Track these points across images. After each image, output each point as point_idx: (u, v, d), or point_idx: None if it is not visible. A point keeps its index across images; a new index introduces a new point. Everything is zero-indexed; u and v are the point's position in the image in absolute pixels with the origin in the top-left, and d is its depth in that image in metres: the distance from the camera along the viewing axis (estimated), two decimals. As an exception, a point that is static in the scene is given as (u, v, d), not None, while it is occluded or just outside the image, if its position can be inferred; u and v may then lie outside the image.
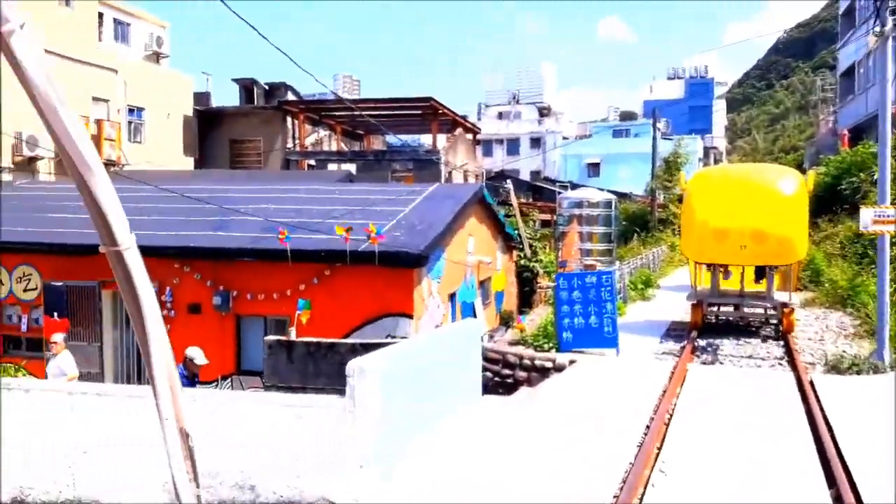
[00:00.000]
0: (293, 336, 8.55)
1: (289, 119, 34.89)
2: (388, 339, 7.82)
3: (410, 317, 11.30)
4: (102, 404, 5.93)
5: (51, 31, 25.16)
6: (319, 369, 7.55)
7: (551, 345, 11.01)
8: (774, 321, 13.45)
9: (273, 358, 7.75)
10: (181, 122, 32.52)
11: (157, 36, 34.07)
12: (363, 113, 34.68)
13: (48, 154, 25.24)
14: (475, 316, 15.83)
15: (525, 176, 54.24)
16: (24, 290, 12.68)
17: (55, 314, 12.40)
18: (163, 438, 1.26)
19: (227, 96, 73.52)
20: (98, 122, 27.14)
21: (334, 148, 37.95)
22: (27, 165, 24.60)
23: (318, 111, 34.72)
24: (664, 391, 8.48)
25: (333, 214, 13.33)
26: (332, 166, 33.88)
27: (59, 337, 10.62)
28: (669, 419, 7.38)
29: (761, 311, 13.67)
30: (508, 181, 22.42)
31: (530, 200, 38.63)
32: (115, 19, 31.69)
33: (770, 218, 11.80)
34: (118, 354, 12.58)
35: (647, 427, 7.08)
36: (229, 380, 11.84)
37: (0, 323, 13.00)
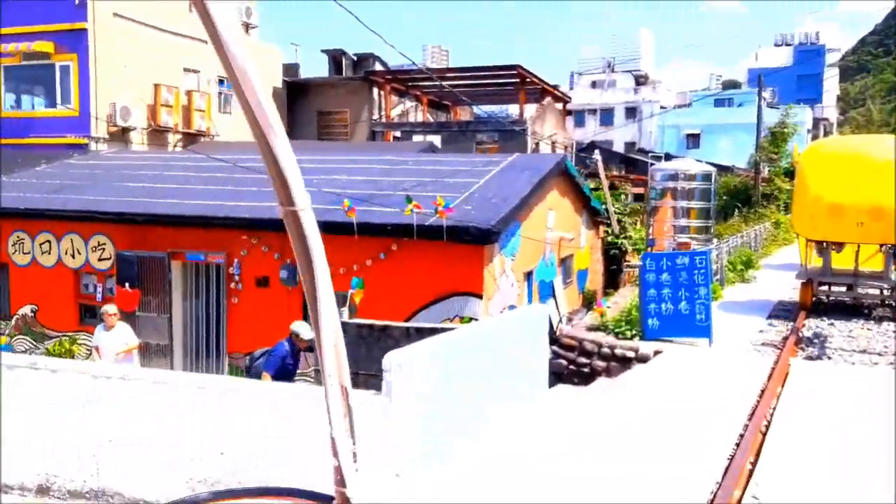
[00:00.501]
0: (345, 317, 7.95)
1: (375, 90, 34.62)
2: (445, 325, 7.10)
3: (480, 297, 10.54)
4: (129, 390, 5.50)
5: (144, 3, 25.52)
6: (372, 354, 6.91)
7: (634, 332, 10.01)
8: (892, 302, 12.71)
9: (323, 340, 7.18)
10: (270, 94, 32.62)
11: (247, 7, 34.23)
12: (447, 84, 33.92)
13: (140, 125, 25.82)
14: (554, 296, 14.91)
15: (619, 148, 52.12)
16: (99, 260, 12.71)
17: (126, 284, 12.36)
18: (325, 394, 1.29)
19: (316, 68, 74.18)
20: (188, 93, 27.49)
21: (420, 119, 37.46)
22: (121, 136, 25.16)
23: (405, 81, 34.18)
24: (762, 392, 7.39)
25: (404, 186, 12.68)
26: (417, 137, 33.36)
27: (113, 308, 10.35)
28: (767, 428, 6.33)
29: (877, 291, 12.95)
30: (596, 152, 21.15)
31: (623, 173, 36.94)
32: (205, -10, 31.88)
33: (889, 193, 10.94)
34: (188, 326, 12.44)
35: (741, 436, 6.08)
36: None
37: (77, 292, 13.11)
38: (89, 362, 8.49)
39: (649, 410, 7.24)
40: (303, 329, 8.20)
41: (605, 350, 9.56)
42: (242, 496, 2.07)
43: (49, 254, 13.09)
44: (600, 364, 9.50)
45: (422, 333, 6.83)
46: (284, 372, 7.95)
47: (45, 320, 13.29)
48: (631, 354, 9.40)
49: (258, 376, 8.28)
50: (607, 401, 7.94)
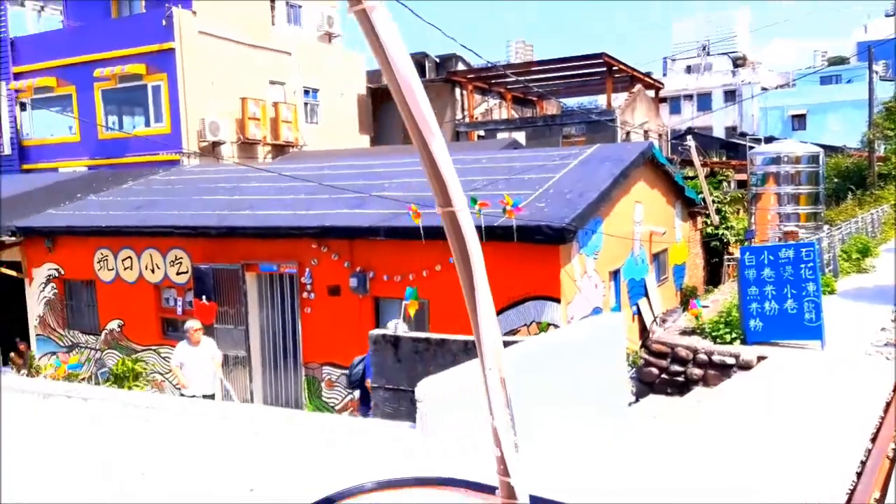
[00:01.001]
0: (399, 329, 7.40)
1: (458, 91, 34.27)
2: (507, 338, 6.40)
3: (558, 300, 9.75)
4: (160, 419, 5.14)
5: (227, 19, 26.02)
6: (428, 370, 6.32)
7: (735, 335, 8.97)
8: None
9: (379, 355, 6.64)
10: (355, 101, 32.82)
11: (328, 16, 34.52)
12: (528, 79, 33.05)
13: (230, 138, 26.36)
14: (647, 295, 13.87)
15: (719, 133, 49.53)
16: (177, 274, 12.75)
17: (204, 297, 12.31)
18: (485, 387, 1.36)
19: None
20: (275, 105, 27.87)
21: (505, 116, 36.78)
22: (211, 150, 25.75)
23: (487, 79, 33.56)
24: (887, 405, 6.30)
25: (475, 186, 12.04)
26: (501, 135, 32.66)
27: (197, 324, 10.44)
28: (895, 453, 5.31)
29: None
30: (689, 138, 19.77)
31: (723, 159, 34.90)
32: (287, 2, 32.42)
33: None
34: (264, 337, 12.27)
35: (862, 463, 5.09)
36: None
37: (159, 306, 13.21)
38: (143, 393, 8.27)
39: (752, 426, 6.31)
40: (401, 329, 7.95)
41: (702, 356, 8.60)
42: (405, 486, 2.05)
43: (131, 269, 13.26)
44: (696, 372, 8.55)
45: (483, 347, 6.17)
46: None
47: (131, 335, 13.47)
48: (731, 361, 8.41)
49: (361, 385, 8.05)
50: (703, 414, 7.04)
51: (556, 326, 9.80)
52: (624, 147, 13.43)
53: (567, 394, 5.31)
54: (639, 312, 13.45)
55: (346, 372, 9.15)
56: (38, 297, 14.41)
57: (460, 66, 37.71)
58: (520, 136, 35.96)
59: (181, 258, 12.71)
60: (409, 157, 16.79)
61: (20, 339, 15.13)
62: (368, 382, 7.45)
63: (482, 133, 34.21)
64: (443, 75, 34.98)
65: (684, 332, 9.47)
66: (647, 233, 13.97)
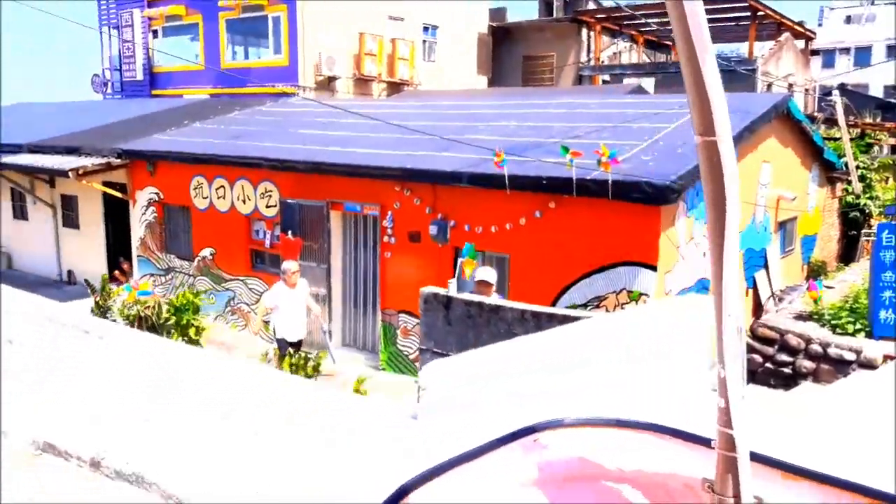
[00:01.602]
0: (453, 290, 6.66)
1: (585, 32, 32.36)
2: (568, 311, 5.51)
3: (654, 268, 8.66)
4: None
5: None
6: (481, 337, 5.60)
7: (859, 326, 7.63)
8: None
9: (430, 315, 5.97)
10: (475, 40, 31.70)
11: (453, -49, 33.29)
12: (661, 21, 30.60)
13: (346, 74, 26.09)
14: (766, 268, 12.39)
15: (877, 92, 44.55)
16: (267, 207, 12.55)
17: (289, 232, 12.07)
18: (718, 333, 1.27)
19: (527, 12, 71.40)
20: (392, 42, 27.28)
21: (635, 61, 34.52)
22: (327, 85, 25.61)
23: (618, 20, 31.39)
24: None
25: (576, 133, 10.95)
26: (628, 81, 30.61)
27: (294, 265, 10.08)
28: None
29: None
30: (835, 93, 17.44)
31: (877, 121, 31.25)
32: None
33: None
34: (346, 278, 11.90)
35: None
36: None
37: (249, 237, 13.13)
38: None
39: (866, 439, 5.16)
40: (489, 274, 7.52)
41: (815, 347, 7.37)
42: (606, 426, 1.97)
43: (223, 199, 13.21)
44: (807, 365, 7.34)
45: (538, 319, 5.34)
46: None
47: (221, 264, 13.53)
48: (851, 356, 7.14)
49: None
50: (808, 415, 5.91)
51: (647, 297, 8.76)
52: (754, 98, 11.81)
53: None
54: (754, 286, 12.04)
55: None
56: (140, 219, 14.74)
57: (591, 6, 35.60)
58: (648, 83, 33.70)
59: (271, 191, 12.48)
60: (519, 97, 15.74)
61: (123, 259, 15.66)
62: None
63: (607, 78, 32.31)
64: (570, 14, 33.10)
65: (799, 317, 8.18)
66: (773, 197, 12.39)
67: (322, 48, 25.24)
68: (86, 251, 16.23)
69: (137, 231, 14.85)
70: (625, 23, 32.47)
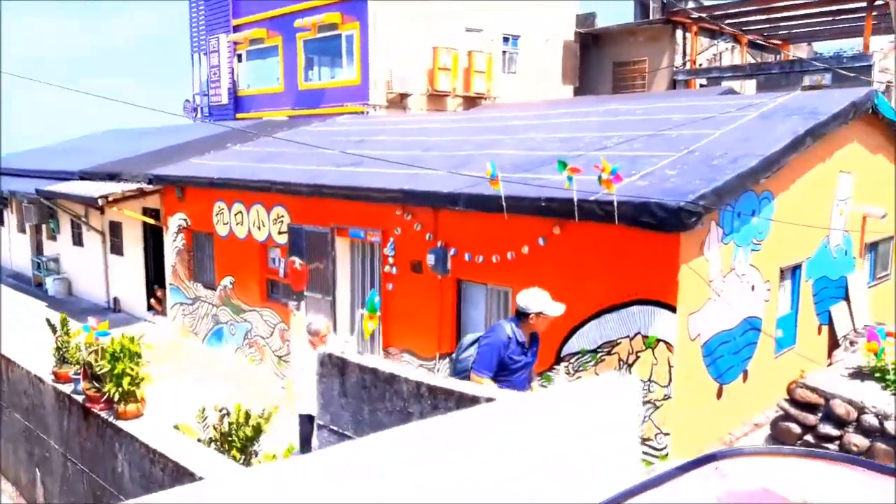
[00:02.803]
0: (349, 349, 5.38)
1: (680, 34, 30.15)
2: (476, 389, 4.09)
3: (672, 308, 7.01)
4: None
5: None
6: (375, 415, 4.33)
7: (940, 389, 5.71)
8: None
9: (326, 382, 4.75)
10: (560, 48, 30.19)
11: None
12: (765, 17, 27.97)
13: (419, 90, 25.36)
14: (847, 299, 10.27)
15: None
16: (279, 233, 11.72)
17: (297, 261, 11.18)
18: None
19: (621, 16, 67.96)
20: (469, 54, 26.29)
21: (739, 62, 31.83)
22: (399, 102, 24.93)
23: (718, 19, 29.00)
24: None
25: (604, 143, 9.39)
26: (729, 84, 28.10)
27: (324, 325, 7.48)
28: None
29: None
30: None
31: None
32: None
33: None
34: (354, 311, 10.82)
35: None
36: (448, 360, 9.17)
37: (265, 265, 12.36)
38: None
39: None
40: (536, 301, 5.53)
41: (870, 419, 5.55)
42: (791, 455, 1.95)
43: (241, 225, 12.53)
44: (858, 442, 5.54)
45: (435, 397, 4.01)
46: (505, 369, 5.49)
47: (240, 293, 12.84)
48: (921, 433, 5.28)
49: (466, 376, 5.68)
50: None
51: (667, 344, 7.11)
52: (829, 95, 9.81)
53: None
54: (830, 323, 9.97)
55: (452, 356, 6.49)
56: (171, 246, 14.36)
57: (691, 5, 33.22)
58: (750, 86, 30.94)
59: (282, 216, 11.65)
60: (576, 106, 14.25)
61: (158, 286, 15.36)
62: (478, 378, 5.30)
63: (704, 82, 29.91)
64: (665, 16, 30.96)
65: (856, 374, 6.31)
66: (857, 215, 10.28)
67: (394, 65, 24.57)
68: (129, 278, 16.11)
69: (170, 258, 14.48)
70: (726, 22, 29.99)
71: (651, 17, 32.57)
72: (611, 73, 32.12)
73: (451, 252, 8.96)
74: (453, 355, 6.04)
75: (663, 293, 7.08)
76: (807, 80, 28.00)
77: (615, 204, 6.88)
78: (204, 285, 13.66)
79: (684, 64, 30.70)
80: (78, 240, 17.81)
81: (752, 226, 8.00)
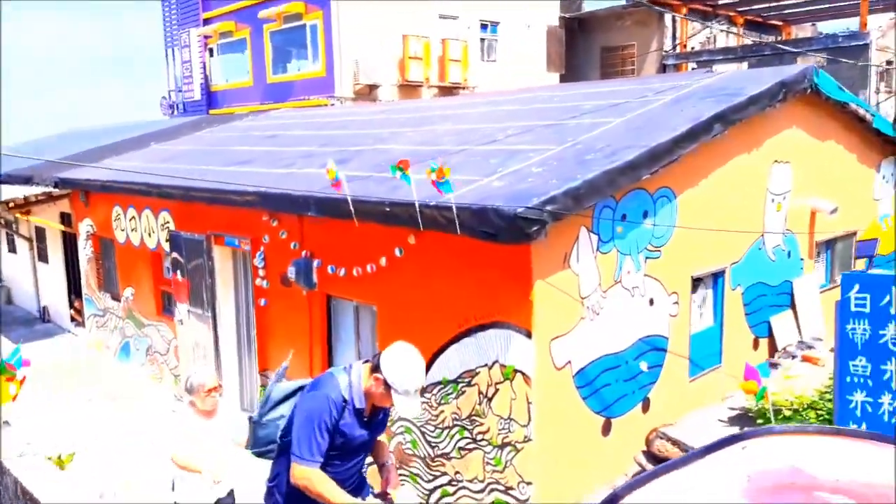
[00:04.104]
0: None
1: (669, 17, 28.79)
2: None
3: (528, 333, 5.82)
4: None
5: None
6: None
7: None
8: None
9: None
10: (544, 35, 28.87)
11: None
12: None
13: (389, 80, 24.30)
14: (793, 308, 8.97)
15: None
16: (166, 240, 10.65)
17: (178, 272, 10.12)
18: None
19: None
20: (443, 42, 25.12)
21: (735, 45, 30.32)
22: (368, 94, 23.82)
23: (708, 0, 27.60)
24: None
25: (495, 137, 8.18)
26: (722, 67, 26.60)
27: (212, 379, 5.59)
28: None
29: None
30: None
31: None
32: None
33: None
34: (237, 328, 9.72)
35: None
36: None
37: (159, 275, 11.30)
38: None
39: None
40: (391, 365, 3.64)
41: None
42: (819, 434, 1.91)
43: (136, 231, 11.48)
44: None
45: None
46: (335, 448, 3.74)
47: (138, 306, 11.81)
48: None
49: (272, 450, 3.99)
50: None
51: (524, 375, 5.92)
52: (758, 75, 8.46)
53: None
54: (770, 335, 8.69)
55: (252, 417, 4.27)
56: (83, 253, 13.37)
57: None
58: (743, 68, 29.41)
59: (168, 222, 10.58)
60: (525, 93, 13.01)
61: (76, 296, 14.41)
62: (297, 465, 3.67)
63: (694, 65, 28.47)
64: (651, -1, 29.49)
65: (737, 419, 5.06)
66: (804, 210, 8.98)
67: (361, 55, 23.43)
68: (54, 287, 15.19)
69: (83, 266, 13.49)
70: (720, 2, 28.62)
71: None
72: (598, 58, 30.84)
73: (316, 263, 7.81)
74: (255, 414, 4.16)
75: (516, 315, 5.88)
76: (806, 60, 26.44)
77: (454, 210, 5.68)
78: (112, 296, 12.64)
79: (674, 48, 29.35)
80: (12, 246, 16.95)
81: (644, 230, 6.76)
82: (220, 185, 8.36)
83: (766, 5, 27.67)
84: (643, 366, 6.82)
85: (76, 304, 14.36)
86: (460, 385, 6.45)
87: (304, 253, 7.95)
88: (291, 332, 8.34)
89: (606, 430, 6.60)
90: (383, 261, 6.95)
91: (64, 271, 14.67)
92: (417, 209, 6.00)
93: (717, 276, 7.89)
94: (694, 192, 7.26)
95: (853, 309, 4.39)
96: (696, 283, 7.61)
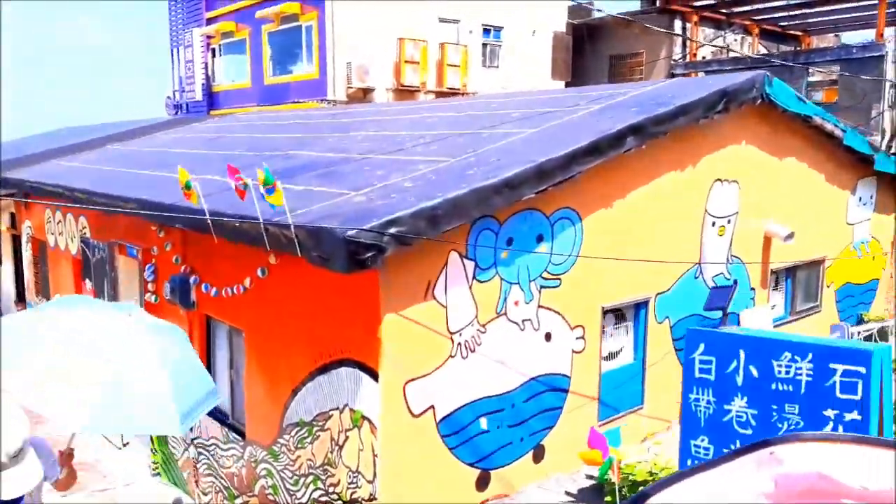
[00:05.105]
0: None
1: (680, 24, 27.85)
2: None
3: (373, 374, 5.04)
4: None
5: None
6: None
7: None
8: None
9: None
10: (549, 41, 28.06)
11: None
12: (773, 6, 25.41)
13: (385, 84, 23.73)
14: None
15: None
16: (78, 248, 10.04)
17: (87, 281, 9.51)
18: None
19: (626, 5, 63.70)
20: (441, 46, 24.45)
21: (748, 54, 29.19)
22: (362, 97, 23.21)
23: (723, 7, 26.53)
24: None
25: (404, 146, 7.42)
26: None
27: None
28: None
29: None
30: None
31: None
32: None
33: None
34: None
35: None
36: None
37: (81, 283, 10.69)
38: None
39: None
40: None
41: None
42: (849, 442, 1.92)
43: (62, 235, 10.91)
44: None
45: None
46: None
47: (64, 314, 11.22)
48: None
49: None
50: None
51: (371, 423, 5.13)
52: (701, 83, 7.56)
53: None
54: (709, 373, 7.75)
55: None
56: (26, 256, 12.88)
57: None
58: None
59: (85, 229, 9.98)
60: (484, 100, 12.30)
61: (18, 301, 13.92)
62: None
63: (703, 75, 27.42)
64: (661, 5, 28.56)
65: (589, 492, 4.22)
66: (755, 234, 8.06)
67: (357, 57, 22.83)
68: (6, 292, 14.73)
69: (28, 270, 12.99)
70: (735, 10, 27.53)
71: (657, 6, 30.27)
72: (607, 66, 29.94)
73: (193, 281, 7.11)
74: None
75: (363, 353, 5.10)
76: (818, 71, 25.26)
77: (292, 229, 4.93)
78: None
79: (684, 56, 28.34)
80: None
81: (539, 256, 5.93)
82: (91, 188, 7.73)
83: (782, 14, 26.52)
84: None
85: (19, 309, 13.87)
86: (315, 429, 5.69)
87: (182, 269, 7.25)
88: (178, 354, 7.64)
89: (482, 483, 5.77)
90: (248, 282, 6.22)
91: (13, 276, 14.19)
92: (262, 227, 5.25)
93: (640, 308, 7.01)
94: (606, 213, 6.42)
95: (697, 375, 3.53)
96: (611, 315, 6.75)
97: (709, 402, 3.56)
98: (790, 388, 3.21)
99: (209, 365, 7.33)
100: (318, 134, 9.61)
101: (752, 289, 8.26)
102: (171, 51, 31.89)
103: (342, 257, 4.55)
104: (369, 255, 4.53)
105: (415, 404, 5.25)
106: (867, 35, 33.69)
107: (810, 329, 9.04)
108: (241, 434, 6.73)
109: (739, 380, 3.41)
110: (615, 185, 6.40)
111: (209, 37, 28.66)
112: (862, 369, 3.03)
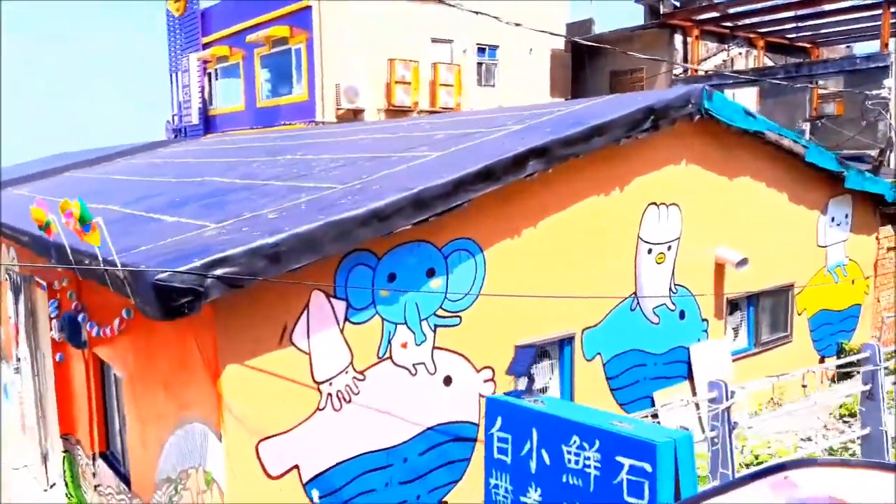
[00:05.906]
0: None
1: (680, 38, 27.27)
2: None
3: (216, 433, 4.46)
4: None
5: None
6: None
7: None
8: None
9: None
10: (548, 59, 27.61)
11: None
12: (775, 18, 24.72)
13: (376, 105, 23.41)
14: (690, 379, 7.35)
15: None
16: (4, 279, 9.64)
17: (12, 315, 9.08)
18: None
19: (631, 18, 62.59)
20: (434, 66, 24.10)
21: (753, 67, 28.51)
22: (353, 118, 22.88)
23: (724, 21, 25.89)
24: None
25: (314, 171, 6.88)
26: (729, 92, 24.78)
27: None
28: None
29: None
30: (887, 83, 11.13)
31: None
32: (458, -57, 27.99)
33: None
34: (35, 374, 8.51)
35: None
36: (96, 461, 6.82)
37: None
38: None
39: None
40: None
41: None
42: (865, 467, 1.95)
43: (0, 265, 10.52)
44: None
45: None
46: None
47: (6, 347, 10.82)
48: None
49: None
50: None
51: (220, 487, 4.54)
52: (632, 99, 6.94)
53: None
54: (656, 415, 7.07)
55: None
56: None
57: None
58: (751, 93, 27.54)
59: (14, 259, 9.58)
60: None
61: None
62: None
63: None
64: (660, 20, 27.99)
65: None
66: (704, 262, 7.37)
67: (346, 79, 22.57)
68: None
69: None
70: (739, 23, 26.88)
71: (658, 21, 29.71)
72: (608, 83, 29.40)
73: (82, 319, 6.60)
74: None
75: (205, 409, 4.52)
76: (822, 83, 24.41)
77: (103, 267, 4.38)
78: None
79: (685, 71, 27.68)
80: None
81: (430, 293, 5.32)
82: (12, 221, 7.28)
83: (787, 26, 25.78)
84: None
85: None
86: (179, 486, 5.11)
87: (73, 305, 6.76)
88: (80, 396, 7.14)
89: (365, 550, 5.14)
90: (116, 322, 5.68)
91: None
92: (100, 261, 4.71)
93: (564, 344, 6.35)
94: (514, 243, 5.79)
95: (496, 455, 2.89)
96: (556, 347, 6.10)
97: (507, 490, 2.90)
98: (580, 482, 2.55)
99: (105, 407, 6.80)
100: (247, 158, 9.12)
101: (705, 320, 7.55)
102: (171, 76, 31.92)
103: (152, 303, 3.99)
104: (185, 300, 3.96)
105: (272, 465, 4.65)
106: (866, 47, 32.77)
107: (781, 362, 8.28)
108: (129, 485, 6.19)
109: (533, 466, 2.76)
110: (522, 212, 5.79)
111: (205, 61, 28.72)
112: (647, 466, 2.37)
